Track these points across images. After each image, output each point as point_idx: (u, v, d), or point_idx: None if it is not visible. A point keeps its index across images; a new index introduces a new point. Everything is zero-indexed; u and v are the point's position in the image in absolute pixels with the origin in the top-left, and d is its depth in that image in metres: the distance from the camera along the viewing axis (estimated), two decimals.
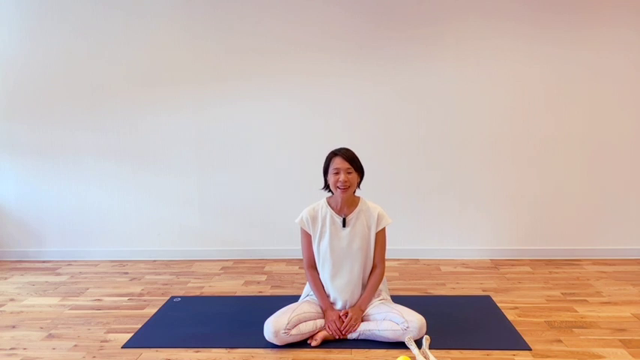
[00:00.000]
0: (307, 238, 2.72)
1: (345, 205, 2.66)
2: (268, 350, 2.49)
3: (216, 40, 3.92)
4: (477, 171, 3.95)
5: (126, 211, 4.14)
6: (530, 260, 3.95)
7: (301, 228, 2.72)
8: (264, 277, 3.67)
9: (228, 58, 3.93)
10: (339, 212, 2.66)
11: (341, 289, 2.66)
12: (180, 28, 3.93)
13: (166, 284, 3.55)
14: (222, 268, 3.90)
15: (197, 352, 2.51)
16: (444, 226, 4.03)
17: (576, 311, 2.92)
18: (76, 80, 4.01)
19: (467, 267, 3.82)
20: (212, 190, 4.09)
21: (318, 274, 2.72)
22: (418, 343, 2.43)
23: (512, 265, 3.83)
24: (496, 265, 3.86)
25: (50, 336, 2.72)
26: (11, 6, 3.96)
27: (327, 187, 2.68)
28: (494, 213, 3.99)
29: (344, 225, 2.64)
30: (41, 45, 3.98)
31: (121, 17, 3.93)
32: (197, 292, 3.38)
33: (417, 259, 4.01)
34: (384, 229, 2.70)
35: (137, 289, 3.45)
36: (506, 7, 3.79)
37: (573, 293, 3.22)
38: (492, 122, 3.90)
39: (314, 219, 2.67)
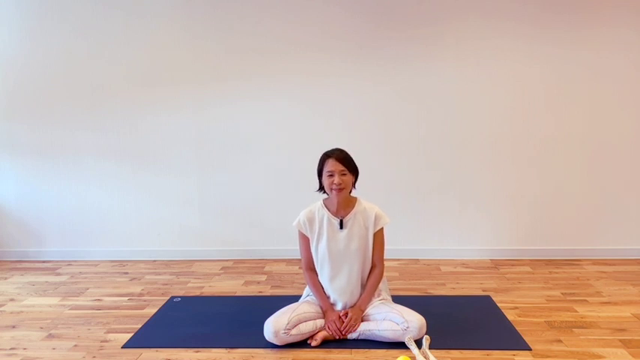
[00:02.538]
0: (305, 241, 2.71)
1: (342, 206, 2.65)
2: (268, 350, 2.49)
3: (216, 40, 3.92)
4: (476, 171, 3.95)
5: (126, 211, 4.14)
6: (530, 260, 3.95)
7: (299, 231, 2.71)
8: (264, 277, 3.67)
9: (228, 58, 3.93)
10: (335, 214, 2.66)
11: (340, 291, 2.65)
12: (180, 28, 3.93)
13: (166, 284, 3.55)
14: (222, 268, 3.90)
15: (197, 352, 2.51)
16: (444, 226, 4.03)
17: (576, 311, 2.92)
18: (76, 80, 4.01)
19: (467, 267, 3.82)
20: (212, 190, 4.09)
21: (317, 275, 2.73)
22: (418, 343, 2.42)
23: (512, 265, 3.83)
24: (496, 265, 3.86)
25: (50, 336, 2.72)
26: (11, 6, 3.96)
27: (321, 188, 2.67)
28: (494, 213, 3.99)
29: (341, 227, 2.64)
30: (41, 45, 3.98)
31: (121, 17, 3.93)
32: (197, 292, 3.38)
33: (417, 259, 4.01)
34: (382, 229, 2.69)
35: (137, 289, 3.45)
36: (506, 7, 3.78)
37: (573, 293, 3.22)
38: (492, 122, 3.91)
39: (311, 221, 2.67)
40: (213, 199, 4.09)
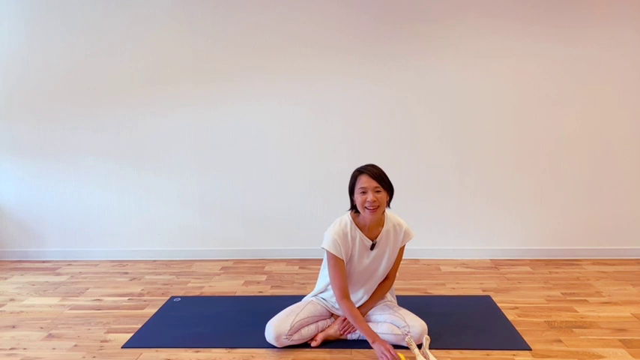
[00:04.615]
0: (340, 266, 2.44)
1: (374, 225, 2.49)
2: (268, 350, 2.49)
3: (217, 39, 3.92)
4: (477, 171, 3.95)
5: (126, 211, 4.14)
6: (530, 260, 3.95)
7: (332, 254, 2.44)
8: (264, 277, 3.67)
9: (229, 58, 3.93)
10: (367, 234, 2.49)
11: (356, 298, 2.61)
12: (180, 28, 3.93)
13: (166, 284, 3.55)
14: (222, 268, 3.90)
15: (197, 352, 2.51)
16: (444, 226, 4.03)
17: (576, 311, 2.92)
18: (76, 80, 4.01)
19: (467, 267, 3.82)
20: (212, 190, 4.09)
21: (354, 303, 2.50)
22: (418, 343, 2.42)
23: (512, 265, 3.83)
24: (496, 265, 3.86)
25: (50, 336, 2.72)
26: (11, 6, 3.96)
27: (353, 207, 2.49)
28: (494, 213, 3.99)
29: (372, 247, 2.52)
30: (41, 45, 3.98)
31: (122, 17, 3.93)
32: (197, 292, 3.38)
33: (417, 259, 4.01)
34: (404, 245, 2.61)
35: (137, 289, 3.45)
36: (508, 5, 3.78)
37: (573, 293, 3.22)
38: (493, 122, 3.90)
39: (345, 242, 2.45)
40: (213, 199, 4.09)
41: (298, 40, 3.89)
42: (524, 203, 3.97)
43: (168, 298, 3.27)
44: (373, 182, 2.38)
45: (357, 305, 2.61)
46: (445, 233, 4.03)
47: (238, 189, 4.07)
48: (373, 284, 2.63)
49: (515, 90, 3.86)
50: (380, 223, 2.52)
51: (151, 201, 4.12)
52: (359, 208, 2.43)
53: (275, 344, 2.48)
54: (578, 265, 3.82)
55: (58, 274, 3.82)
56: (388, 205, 2.51)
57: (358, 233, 2.49)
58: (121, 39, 3.95)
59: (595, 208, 3.94)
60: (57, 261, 4.15)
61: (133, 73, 3.98)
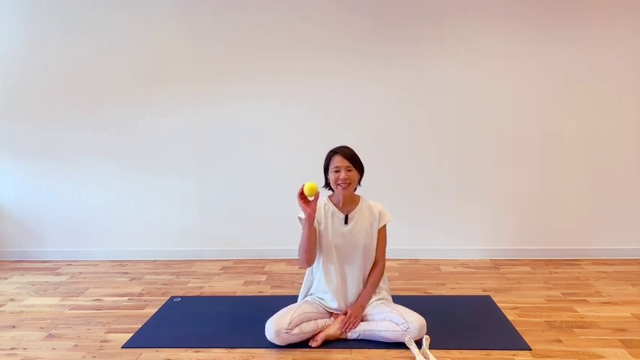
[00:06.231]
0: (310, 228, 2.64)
1: (347, 202, 2.66)
2: (268, 350, 2.49)
3: (217, 40, 3.92)
4: (477, 171, 3.96)
5: (126, 211, 4.14)
6: (530, 260, 3.95)
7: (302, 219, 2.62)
8: (264, 277, 3.67)
9: (229, 58, 3.93)
10: (340, 210, 2.67)
11: (343, 286, 2.65)
12: (180, 28, 3.93)
13: (166, 284, 3.55)
14: (222, 268, 3.90)
15: (197, 352, 2.51)
16: (444, 226, 4.03)
17: (576, 311, 2.92)
18: (76, 80, 4.01)
19: (467, 267, 3.82)
20: (212, 190, 4.09)
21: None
22: (418, 343, 2.43)
23: (512, 265, 3.83)
24: (496, 265, 3.86)
25: (50, 336, 2.72)
26: (11, 6, 3.96)
27: (327, 185, 2.68)
28: (494, 213, 3.99)
29: (346, 222, 2.65)
30: (41, 45, 3.98)
31: (122, 17, 3.93)
32: (197, 292, 3.38)
33: (417, 259, 4.01)
34: (385, 226, 2.71)
35: (137, 289, 3.45)
36: (508, 5, 3.78)
37: (573, 293, 3.22)
38: (493, 122, 3.91)
39: (318, 213, 2.66)
40: (213, 199, 4.09)
41: (298, 40, 3.89)
42: (524, 203, 3.97)
43: (168, 298, 3.27)
44: (346, 162, 2.57)
45: (354, 299, 2.66)
46: (445, 233, 4.03)
47: (238, 189, 4.07)
48: (360, 264, 2.66)
49: (515, 90, 3.86)
50: (354, 202, 2.69)
51: (151, 201, 4.12)
52: (332, 185, 2.63)
53: (276, 341, 2.48)
54: (578, 265, 3.82)
55: (58, 274, 3.82)
56: (359, 183, 2.68)
57: (332, 207, 2.67)
58: (121, 39, 3.95)
59: (595, 208, 3.94)
60: (57, 261, 4.15)
61: (133, 73, 3.99)
